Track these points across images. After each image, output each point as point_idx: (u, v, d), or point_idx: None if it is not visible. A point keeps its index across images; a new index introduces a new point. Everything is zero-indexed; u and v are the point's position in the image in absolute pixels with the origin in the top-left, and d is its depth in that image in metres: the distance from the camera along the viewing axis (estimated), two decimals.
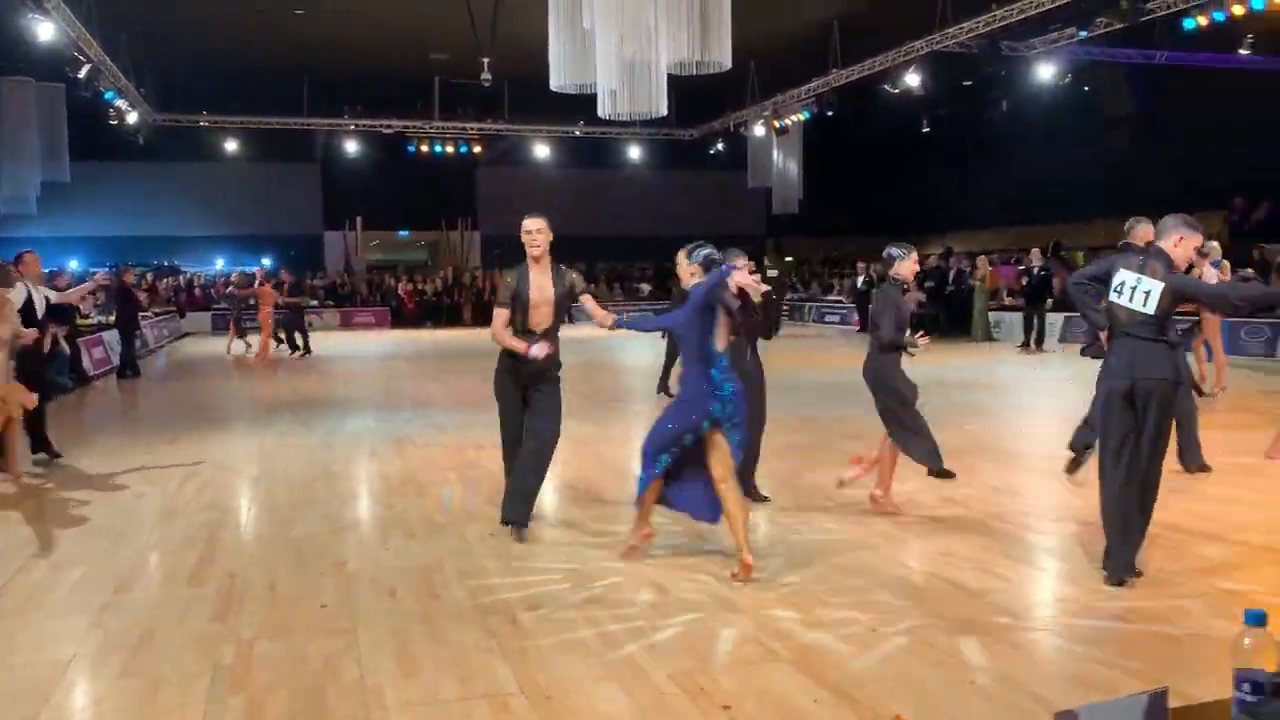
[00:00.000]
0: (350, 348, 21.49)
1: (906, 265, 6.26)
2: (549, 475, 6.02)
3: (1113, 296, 4.79)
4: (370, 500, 7.09)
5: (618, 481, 7.36)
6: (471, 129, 27.06)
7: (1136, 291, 4.70)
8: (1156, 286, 4.65)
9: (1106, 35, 16.74)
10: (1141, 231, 6.82)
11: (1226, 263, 15.04)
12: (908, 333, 6.26)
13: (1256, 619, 1.57)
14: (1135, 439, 4.70)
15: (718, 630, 4.23)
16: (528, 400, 5.81)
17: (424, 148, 27.00)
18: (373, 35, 21.56)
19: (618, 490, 7.03)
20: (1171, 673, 3.71)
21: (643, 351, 19.50)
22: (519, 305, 5.66)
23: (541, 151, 28.68)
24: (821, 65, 21.24)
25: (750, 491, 6.35)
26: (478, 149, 27.68)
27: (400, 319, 28.52)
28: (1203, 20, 15.39)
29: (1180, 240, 4.72)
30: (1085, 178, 24.03)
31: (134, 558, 5.57)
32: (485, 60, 19.77)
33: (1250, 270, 16.32)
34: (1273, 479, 7.07)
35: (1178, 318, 5.00)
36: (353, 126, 26.87)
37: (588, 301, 5.91)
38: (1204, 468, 7.08)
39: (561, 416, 5.86)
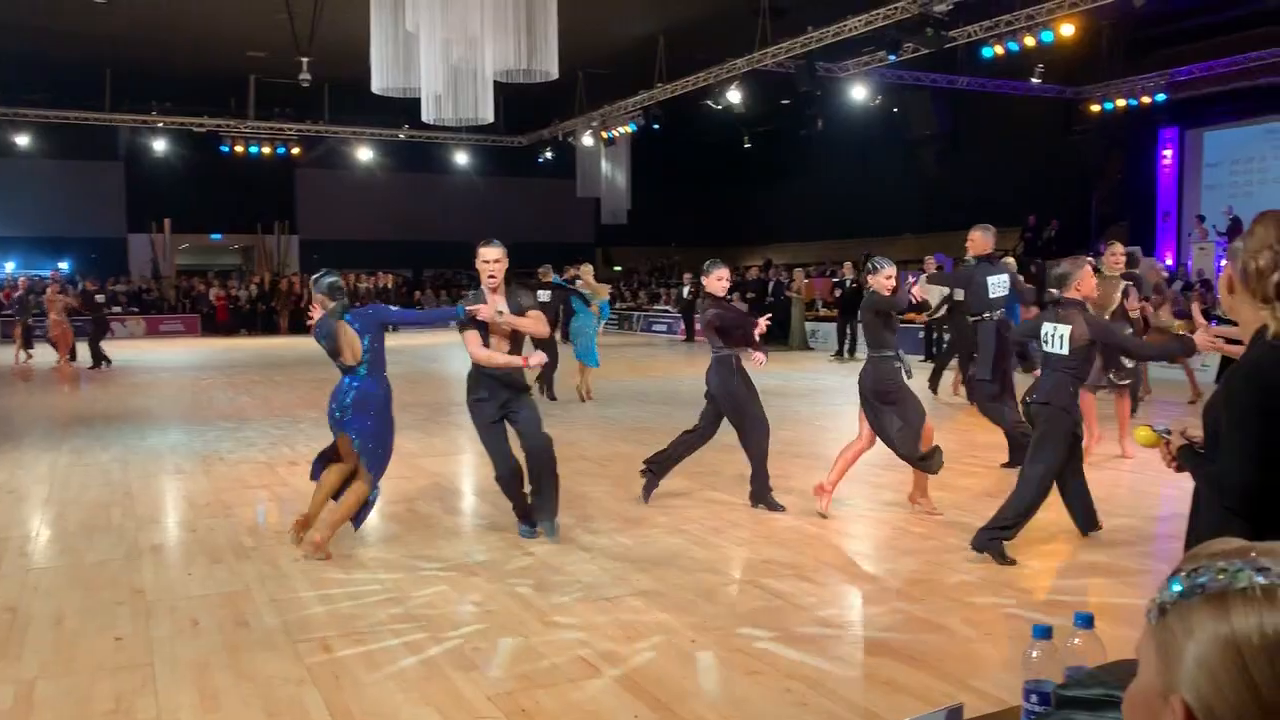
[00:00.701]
0: (156, 357, 20.30)
1: (878, 279, 6.40)
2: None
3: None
4: (172, 523, 6.68)
5: (441, 497, 7.21)
6: (290, 130, 26.05)
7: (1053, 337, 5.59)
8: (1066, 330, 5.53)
9: (914, 60, 17.64)
10: (977, 238, 7.44)
11: (1021, 277, 16.01)
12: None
13: (1043, 632, 1.64)
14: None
15: (540, 648, 4.18)
16: (510, 420, 5.80)
17: (239, 148, 25.79)
18: (184, 29, 20.48)
19: (441, 505, 6.88)
20: (976, 674, 3.90)
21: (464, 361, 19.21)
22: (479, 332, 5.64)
23: (364, 154, 27.90)
24: (647, 79, 21.53)
25: (768, 501, 6.62)
26: (296, 150, 26.64)
27: (212, 327, 27.20)
28: (999, 49, 16.42)
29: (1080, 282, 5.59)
30: (895, 194, 25.27)
31: None
32: (304, 60, 19.06)
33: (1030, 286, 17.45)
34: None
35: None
36: (161, 124, 25.41)
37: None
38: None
39: (542, 429, 5.89)
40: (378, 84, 13.15)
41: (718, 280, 6.73)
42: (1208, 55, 18.83)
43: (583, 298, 12.44)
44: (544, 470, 5.79)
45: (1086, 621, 1.68)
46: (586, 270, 13.38)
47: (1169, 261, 19.94)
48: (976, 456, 8.48)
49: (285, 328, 27.09)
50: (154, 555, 5.77)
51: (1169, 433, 2.67)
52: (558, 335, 12.88)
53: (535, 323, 5.75)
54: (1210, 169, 20.51)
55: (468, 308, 5.64)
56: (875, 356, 6.34)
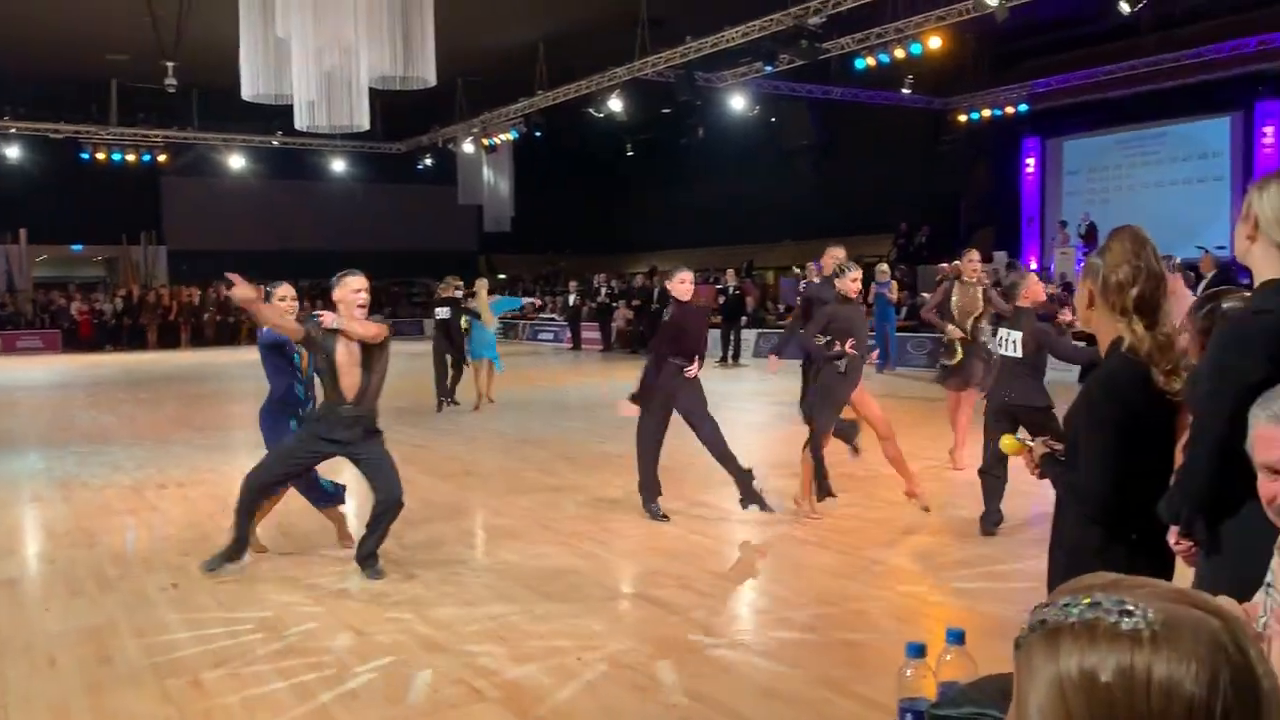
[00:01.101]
0: (12, 376, 19.23)
1: (844, 282, 6.56)
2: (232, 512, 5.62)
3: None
4: (29, 554, 6.32)
5: (316, 518, 7.00)
6: (155, 136, 25.02)
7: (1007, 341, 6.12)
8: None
9: (790, 71, 18.00)
10: (826, 254, 7.41)
11: (895, 282, 16.52)
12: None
13: (916, 651, 1.67)
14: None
15: (419, 672, 4.09)
16: (357, 465, 5.50)
17: (100, 155, 24.64)
18: (39, 31, 19.49)
19: (315, 528, 6.69)
20: (852, 677, 3.98)
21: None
22: (326, 367, 5.30)
23: (236, 162, 26.97)
24: (528, 86, 21.43)
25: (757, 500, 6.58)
26: (163, 158, 25.59)
27: (74, 342, 25.89)
28: (871, 61, 16.89)
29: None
30: (774, 202, 25.74)
31: None
32: (170, 64, 18.36)
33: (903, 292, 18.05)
34: (937, 482, 7.80)
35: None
36: (14, 130, 24.10)
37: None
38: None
39: (398, 479, 5.46)
40: (248, 91, 12.76)
41: (680, 284, 6.69)
42: (1065, 68, 19.77)
43: (475, 314, 12.55)
44: (386, 519, 5.45)
45: (958, 638, 1.71)
46: (482, 285, 13.28)
47: (1033, 266, 20.82)
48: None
49: (153, 343, 26.01)
50: (7, 590, 5.43)
51: (1032, 441, 2.78)
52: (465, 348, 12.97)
53: (379, 330, 5.42)
54: (1070, 176, 21.50)
55: (320, 317, 5.32)
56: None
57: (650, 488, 6.72)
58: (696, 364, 6.76)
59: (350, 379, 5.32)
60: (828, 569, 5.47)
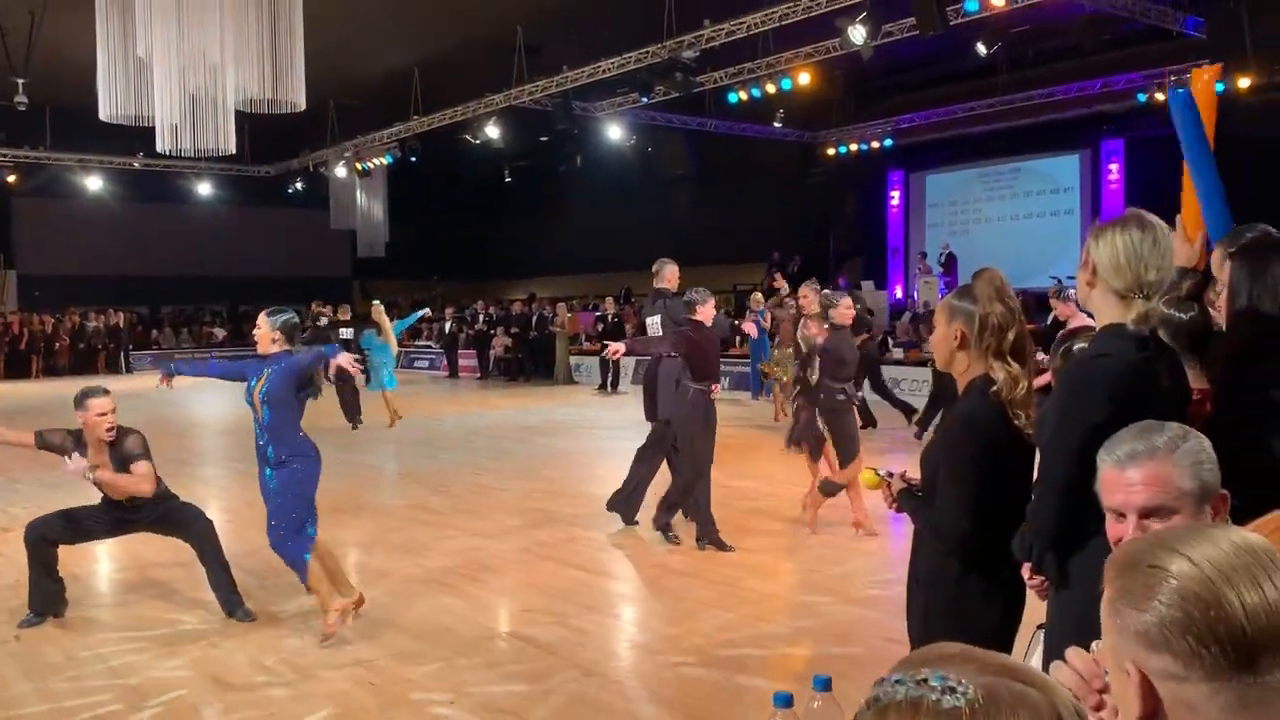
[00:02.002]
0: None
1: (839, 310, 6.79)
2: (83, 558, 5.35)
3: None
4: None
5: (181, 562, 6.70)
6: (5, 156, 23.75)
7: None
8: None
9: (666, 102, 18.26)
10: (668, 273, 7.35)
11: (770, 313, 16.83)
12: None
13: (784, 701, 1.69)
14: None
15: None
16: (159, 529, 5.42)
17: None
18: None
19: (176, 571, 6.40)
20: (726, 716, 4.01)
21: (217, 405, 18.15)
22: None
23: (94, 184, 25.77)
24: (404, 111, 21.16)
25: (716, 540, 6.51)
26: (13, 179, 24.28)
27: None
28: (743, 95, 17.29)
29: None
30: (652, 230, 25.95)
31: None
32: (20, 81, 17.48)
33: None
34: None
35: None
36: None
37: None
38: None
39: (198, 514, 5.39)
40: (106, 112, 12.25)
41: (705, 308, 6.57)
42: (927, 105, 20.60)
43: (377, 328, 12.92)
44: (211, 556, 5.31)
45: (824, 685, 1.74)
46: (378, 309, 13.58)
47: (899, 294, 21.57)
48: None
49: (1, 372, 24.57)
50: None
51: (890, 475, 2.85)
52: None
53: (138, 481, 5.12)
54: (932, 209, 22.38)
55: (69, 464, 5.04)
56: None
57: (711, 521, 6.56)
58: (717, 385, 6.77)
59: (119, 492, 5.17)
60: (707, 602, 5.51)
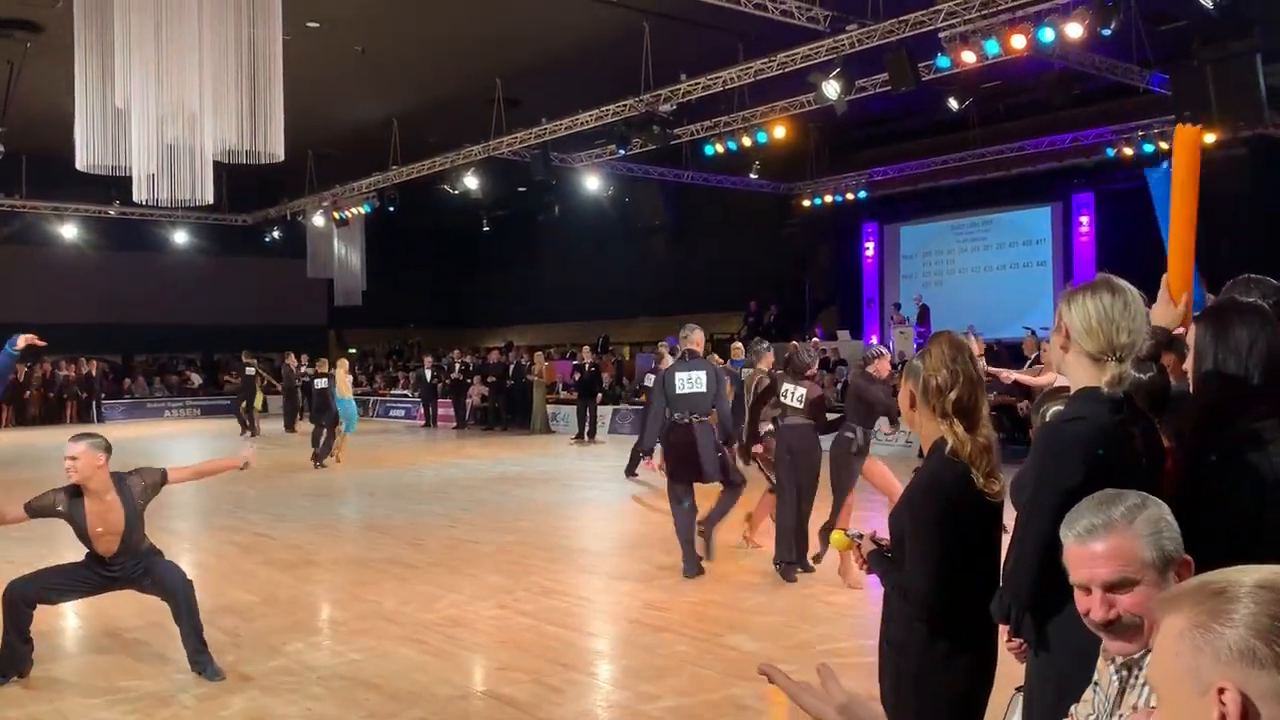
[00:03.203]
0: None
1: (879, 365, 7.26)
2: (51, 616, 5.23)
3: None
4: None
5: (152, 620, 6.58)
6: None
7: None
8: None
9: (643, 154, 18.44)
10: (696, 338, 7.59)
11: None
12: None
13: None
14: None
15: None
16: (140, 588, 5.30)
17: None
18: None
19: (149, 631, 6.28)
20: None
21: (192, 454, 17.92)
22: (80, 535, 5.05)
23: (69, 232, 25.65)
24: (382, 160, 21.25)
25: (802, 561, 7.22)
26: None
27: None
28: (720, 147, 17.48)
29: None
30: (629, 279, 26.16)
31: None
32: None
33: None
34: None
35: None
36: None
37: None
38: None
39: (180, 573, 5.32)
40: (83, 161, 12.19)
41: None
42: (900, 158, 20.92)
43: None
44: (186, 615, 5.21)
45: None
46: (342, 365, 15.82)
47: (874, 342, 21.69)
48: None
49: None
50: None
51: (860, 537, 2.85)
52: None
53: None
54: (906, 260, 22.62)
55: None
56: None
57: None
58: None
59: (107, 541, 5.09)
60: (683, 657, 5.46)
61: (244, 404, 21.56)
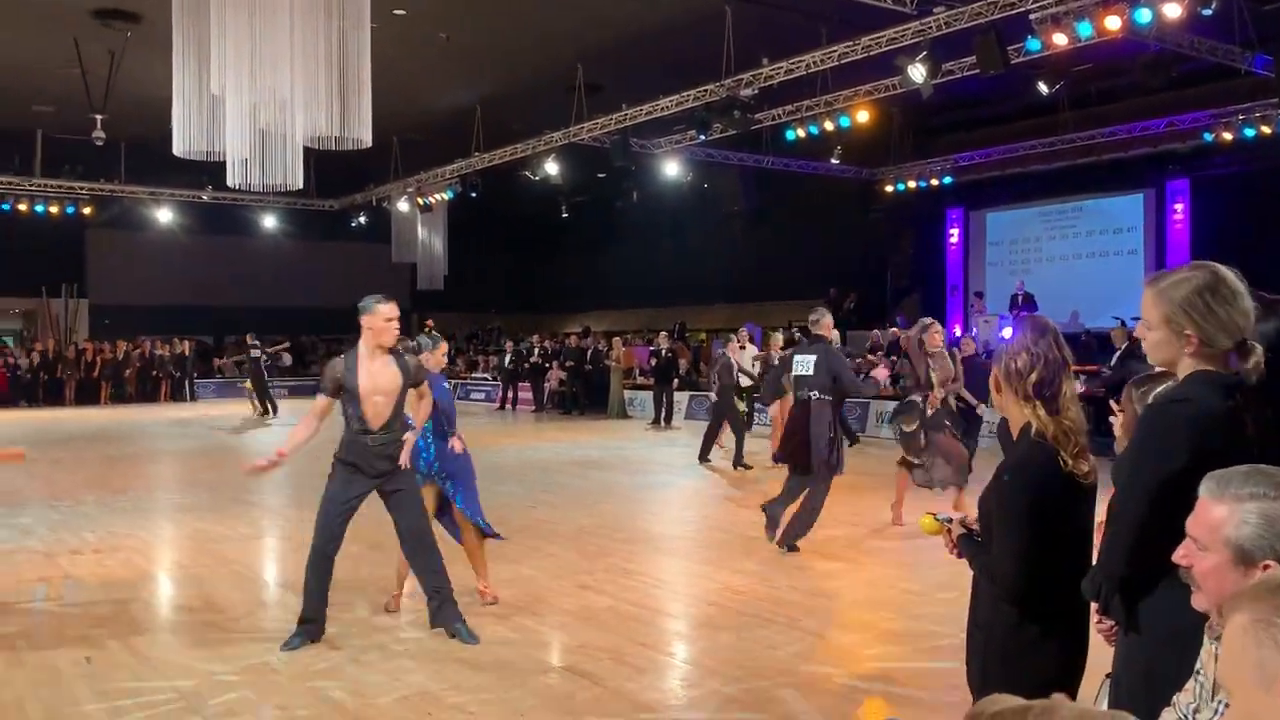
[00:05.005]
0: None
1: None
2: (153, 583, 5.44)
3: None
4: None
5: (240, 586, 6.83)
6: (81, 189, 24.54)
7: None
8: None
9: (723, 139, 18.38)
10: (827, 323, 8.02)
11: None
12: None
13: None
14: None
15: None
16: (384, 498, 5.47)
17: (23, 206, 24.06)
18: None
19: (239, 596, 6.52)
20: None
21: (280, 433, 18.42)
22: (349, 397, 5.26)
23: (164, 216, 26.52)
24: (465, 147, 21.53)
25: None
26: (88, 210, 25.08)
27: None
28: (801, 132, 17.33)
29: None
30: (707, 265, 26.10)
31: None
32: (98, 117, 18.11)
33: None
34: (865, 549, 7.89)
35: None
36: None
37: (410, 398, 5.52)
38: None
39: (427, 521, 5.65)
40: (179, 147, 12.59)
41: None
42: (986, 143, 20.49)
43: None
44: (428, 564, 5.44)
45: None
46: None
47: (958, 332, 21.32)
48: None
49: (71, 399, 25.26)
50: None
51: (950, 520, 2.84)
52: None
53: (425, 404, 5.63)
54: (992, 247, 22.16)
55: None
56: None
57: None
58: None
59: (378, 405, 5.31)
60: (763, 641, 5.47)
61: (256, 386, 22.01)
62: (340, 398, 5.33)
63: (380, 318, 5.27)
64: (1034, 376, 2.57)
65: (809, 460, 7.57)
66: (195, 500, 10.33)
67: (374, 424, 5.30)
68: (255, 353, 22.31)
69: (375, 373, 5.29)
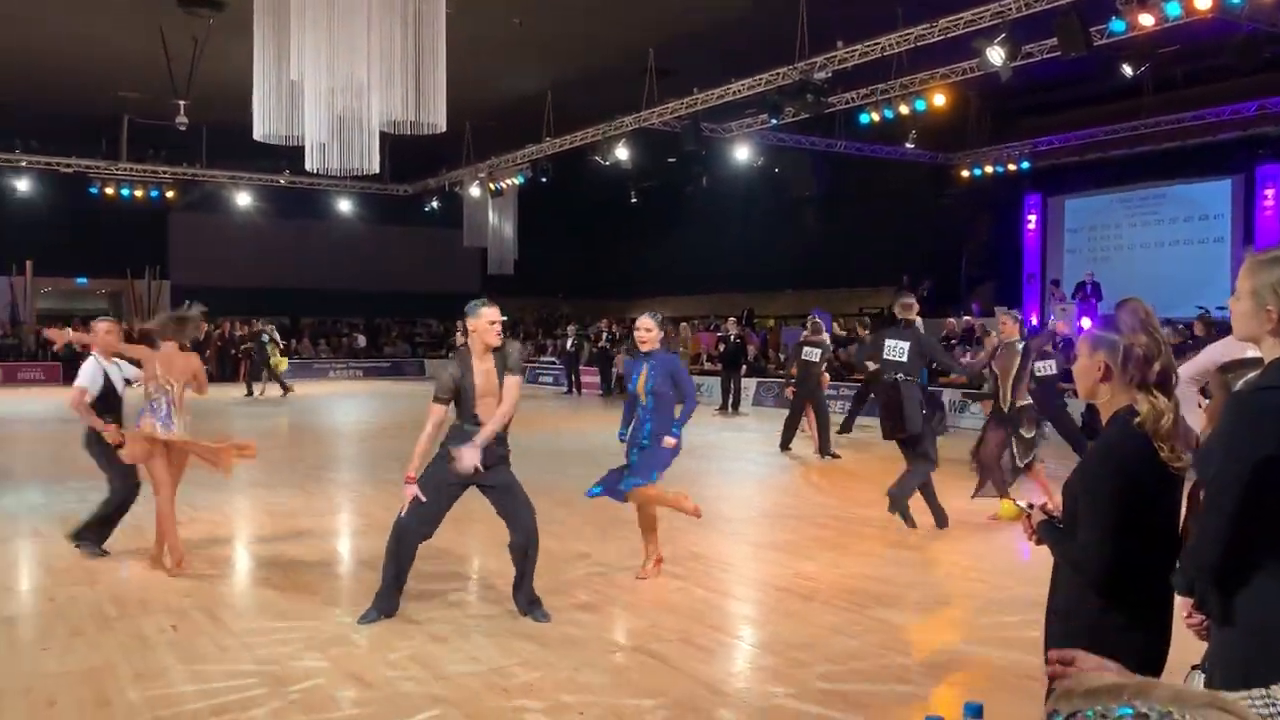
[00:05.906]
0: (12, 408, 19.23)
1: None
2: (233, 556, 5.60)
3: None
4: (28, 591, 6.30)
5: (323, 563, 6.99)
6: (164, 173, 25.23)
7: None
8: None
9: (795, 123, 18.21)
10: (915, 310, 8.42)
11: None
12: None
13: (974, 710, 1.69)
14: None
15: None
16: (485, 492, 5.60)
17: (109, 190, 24.82)
18: (52, 67, 19.71)
19: (321, 572, 6.67)
20: None
21: (355, 413, 18.80)
22: (463, 397, 5.44)
23: (243, 200, 27.17)
24: (536, 132, 21.64)
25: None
26: (171, 194, 25.79)
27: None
28: (875, 116, 17.08)
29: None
30: (776, 251, 25.92)
31: None
32: (181, 103, 18.57)
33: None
34: (949, 538, 7.79)
35: None
36: (25, 163, 24.31)
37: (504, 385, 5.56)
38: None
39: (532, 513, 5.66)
40: (259, 131, 12.88)
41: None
42: (1066, 128, 20.00)
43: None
44: (528, 557, 5.56)
45: (976, 712, 1.73)
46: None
47: (1034, 321, 20.90)
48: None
49: None
50: (6, 628, 5.42)
51: (1031, 507, 2.80)
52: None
53: (511, 400, 5.57)
54: (1071, 234, 21.67)
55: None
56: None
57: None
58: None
59: (487, 404, 5.45)
60: (833, 627, 5.45)
61: (264, 368, 22.96)
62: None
63: (484, 320, 5.44)
64: (1159, 365, 2.51)
65: (908, 430, 7.96)
66: (270, 477, 10.58)
67: (485, 420, 5.45)
68: (265, 337, 23.61)
69: (487, 373, 5.46)
